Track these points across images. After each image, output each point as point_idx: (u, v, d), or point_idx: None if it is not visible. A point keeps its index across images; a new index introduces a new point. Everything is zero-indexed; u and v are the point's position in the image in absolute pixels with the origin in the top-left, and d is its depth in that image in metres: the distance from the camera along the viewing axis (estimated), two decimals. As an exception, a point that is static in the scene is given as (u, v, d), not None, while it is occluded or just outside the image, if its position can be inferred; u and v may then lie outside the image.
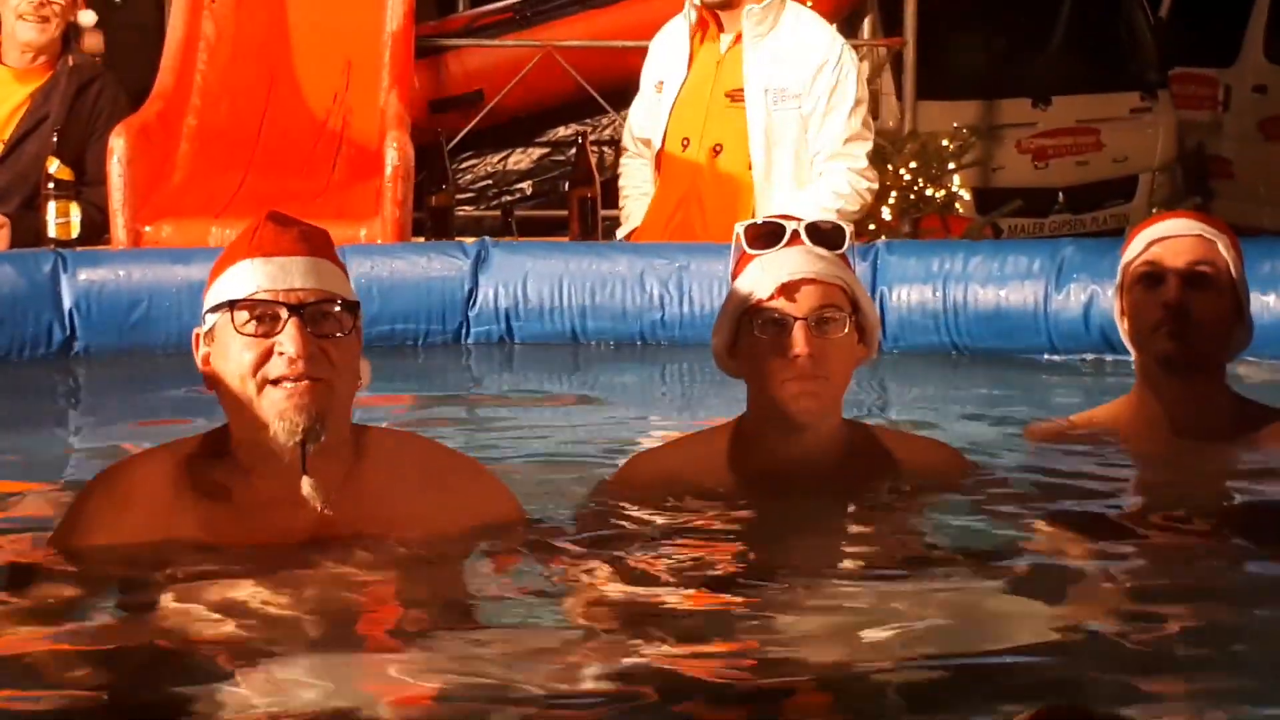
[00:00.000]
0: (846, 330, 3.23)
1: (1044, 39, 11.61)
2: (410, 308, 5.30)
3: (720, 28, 5.64)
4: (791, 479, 3.32)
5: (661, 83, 5.77)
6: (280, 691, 2.59)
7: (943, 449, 3.56)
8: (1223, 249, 3.65)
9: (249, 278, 2.90)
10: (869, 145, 5.76)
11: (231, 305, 2.88)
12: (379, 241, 5.90)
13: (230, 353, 2.89)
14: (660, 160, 5.77)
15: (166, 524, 3.04)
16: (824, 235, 3.26)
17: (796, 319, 3.17)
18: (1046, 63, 11.44)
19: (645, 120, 5.85)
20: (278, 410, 2.85)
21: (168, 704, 2.59)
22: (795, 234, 3.23)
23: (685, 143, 5.66)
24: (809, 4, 5.84)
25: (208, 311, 2.96)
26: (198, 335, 2.99)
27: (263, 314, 2.89)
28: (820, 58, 5.59)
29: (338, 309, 2.94)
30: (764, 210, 5.33)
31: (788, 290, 3.18)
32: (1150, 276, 3.66)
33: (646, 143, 5.82)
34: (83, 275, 5.18)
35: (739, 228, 3.31)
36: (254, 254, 2.92)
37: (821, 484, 3.33)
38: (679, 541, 3.24)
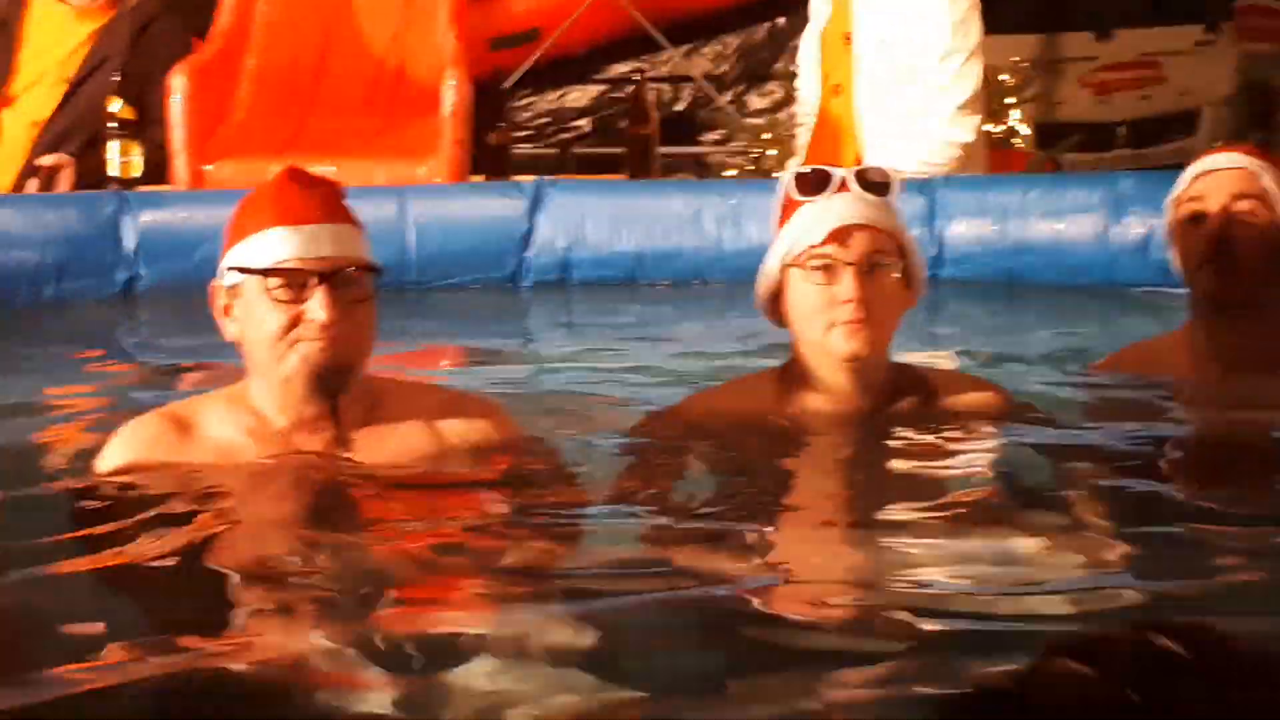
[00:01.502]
0: (895, 276, 3.25)
1: (1106, -29, 11.55)
2: (466, 247, 5.33)
3: None
4: (840, 420, 3.35)
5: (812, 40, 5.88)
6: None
7: (989, 388, 3.53)
8: (1268, 182, 3.64)
9: (280, 246, 2.99)
10: (973, 86, 5.74)
11: (263, 271, 2.98)
12: (437, 180, 5.93)
13: (260, 315, 2.99)
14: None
15: (212, 464, 3.14)
16: (873, 184, 3.25)
17: (849, 264, 3.18)
18: (1107, -4, 11.39)
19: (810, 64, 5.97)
20: (310, 367, 2.98)
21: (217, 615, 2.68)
22: (844, 181, 3.22)
23: (825, 81, 5.69)
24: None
25: (231, 269, 3.04)
26: (217, 288, 3.07)
27: (293, 281, 2.98)
28: (927, 11, 5.55)
29: (360, 273, 3.04)
30: (866, 157, 5.32)
31: (839, 236, 3.18)
32: (1196, 213, 3.67)
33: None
34: (145, 216, 5.23)
35: (785, 175, 3.32)
36: (282, 221, 3.00)
37: (868, 425, 3.36)
38: (717, 477, 3.29)
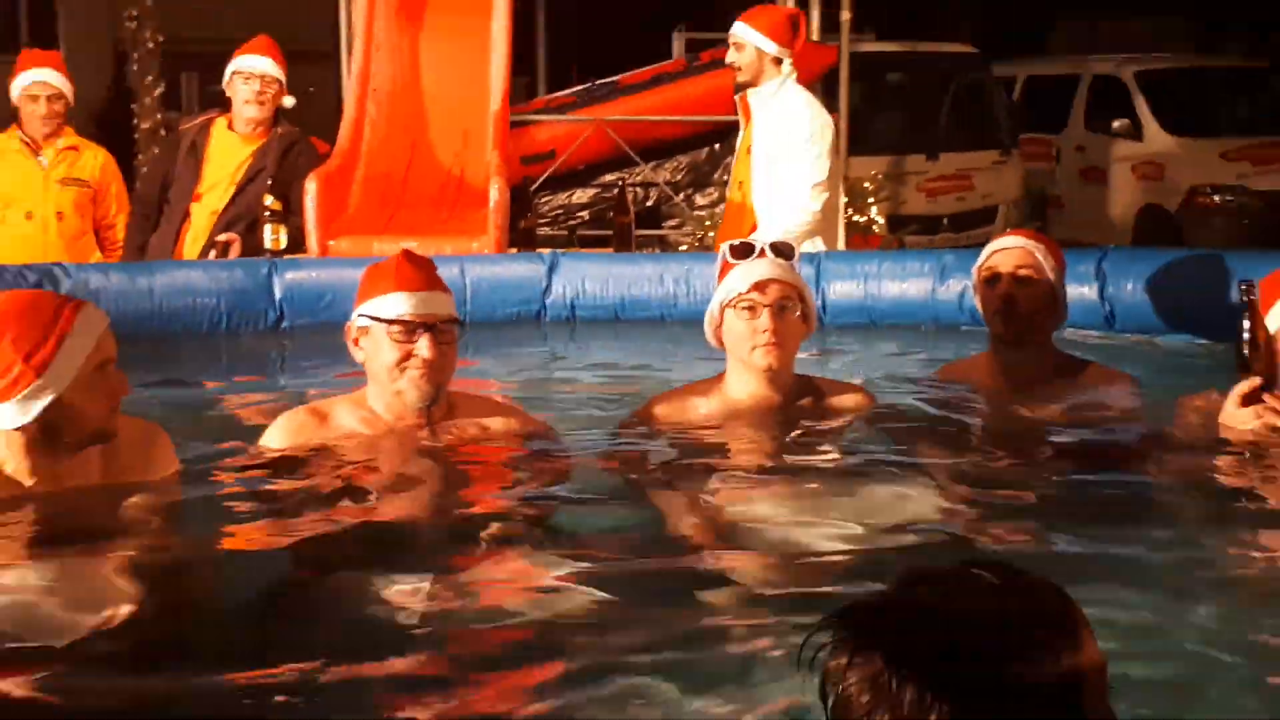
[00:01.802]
0: (797, 314, 3.29)
1: (935, 114, 11.58)
2: (506, 296, 5.32)
3: (747, 107, 5.53)
4: (762, 412, 3.37)
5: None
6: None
7: (858, 390, 3.60)
8: (1041, 256, 3.65)
9: (401, 305, 3.07)
10: (813, 188, 5.41)
11: (389, 321, 3.01)
12: (486, 251, 5.93)
13: (384, 348, 3.06)
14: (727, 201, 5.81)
15: (342, 446, 3.15)
16: (780, 251, 3.34)
17: (765, 305, 3.23)
18: (936, 130, 11.41)
19: None
20: (414, 388, 3.06)
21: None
22: (762, 250, 3.31)
23: (739, 185, 5.58)
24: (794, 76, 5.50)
25: (365, 315, 3.08)
26: (350, 327, 3.12)
27: (408, 329, 3.06)
28: (789, 119, 5.37)
29: (450, 325, 3.15)
30: (761, 228, 5.27)
31: (759, 286, 3.25)
32: (990, 276, 3.68)
33: None
34: (288, 275, 5.23)
35: (724, 246, 3.38)
36: (403, 289, 3.09)
37: (780, 415, 3.37)
38: (694, 458, 3.29)
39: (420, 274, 3.15)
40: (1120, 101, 12.49)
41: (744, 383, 3.34)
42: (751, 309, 3.23)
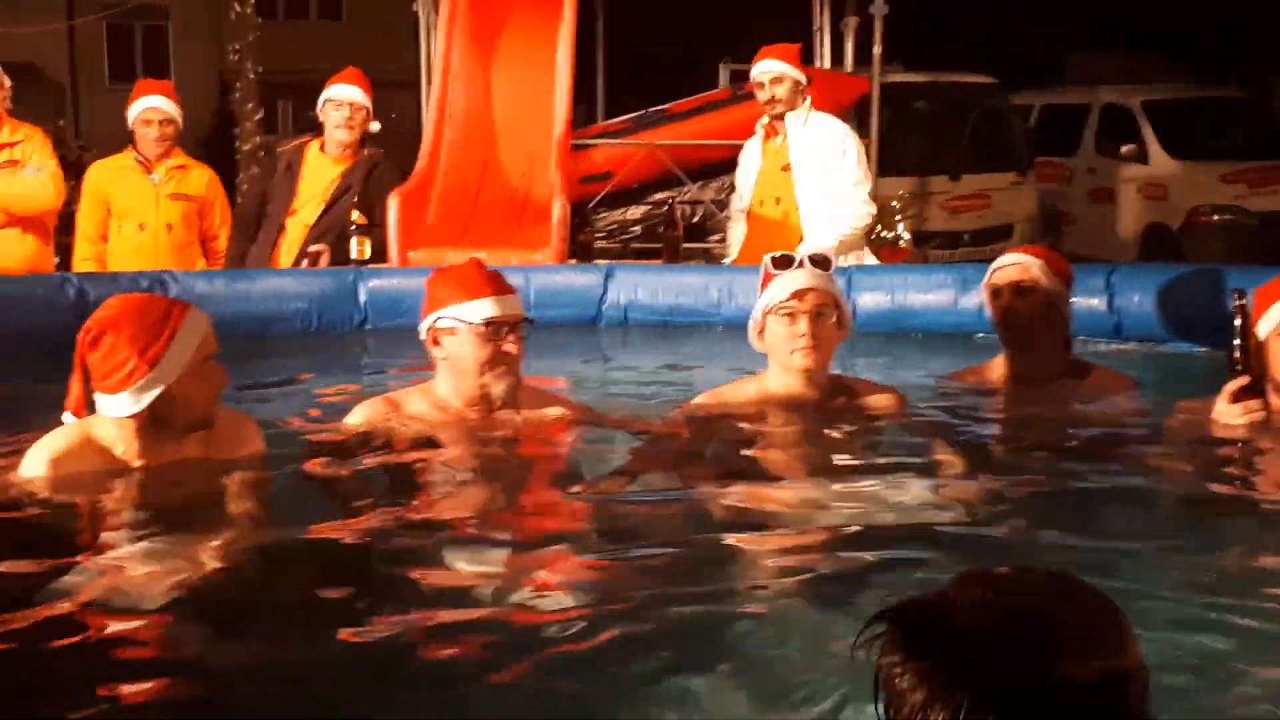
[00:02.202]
0: (833, 320, 3.26)
1: (957, 138, 11.50)
2: (566, 302, 5.32)
3: (777, 132, 5.58)
4: (800, 409, 3.34)
5: (749, 172, 5.76)
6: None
7: (890, 390, 3.56)
8: (1038, 270, 3.63)
9: (491, 308, 3.12)
10: (866, 191, 5.66)
11: (481, 323, 3.05)
12: (549, 262, 5.94)
13: (470, 347, 3.07)
14: (749, 217, 5.71)
15: (416, 429, 3.18)
16: (818, 262, 3.30)
17: (804, 312, 3.21)
18: (958, 153, 11.33)
19: (739, 199, 5.84)
20: (501, 382, 3.08)
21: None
22: (801, 261, 3.27)
23: (762, 202, 5.61)
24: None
25: (450, 318, 3.09)
26: (430, 328, 3.14)
27: (497, 328, 3.07)
28: (831, 134, 5.55)
29: (526, 325, 3.23)
30: (809, 235, 5.32)
31: (799, 295, 3.22)
32: (994, 291, 3.68)
33: (740, 211, 5.79)
34: (372, 282, 5.26)
35: (766, 258, 3.35)
36: (488, 294, 3.14)
37: (816, 412, 3.35)
38: (737, 450, 3.28)
39: (496, 280, 3.20)
40: (1128, 128, 12.37)
41: (784, 382, 3.33)
42: (791, 315, 3.22)
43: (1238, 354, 3.04)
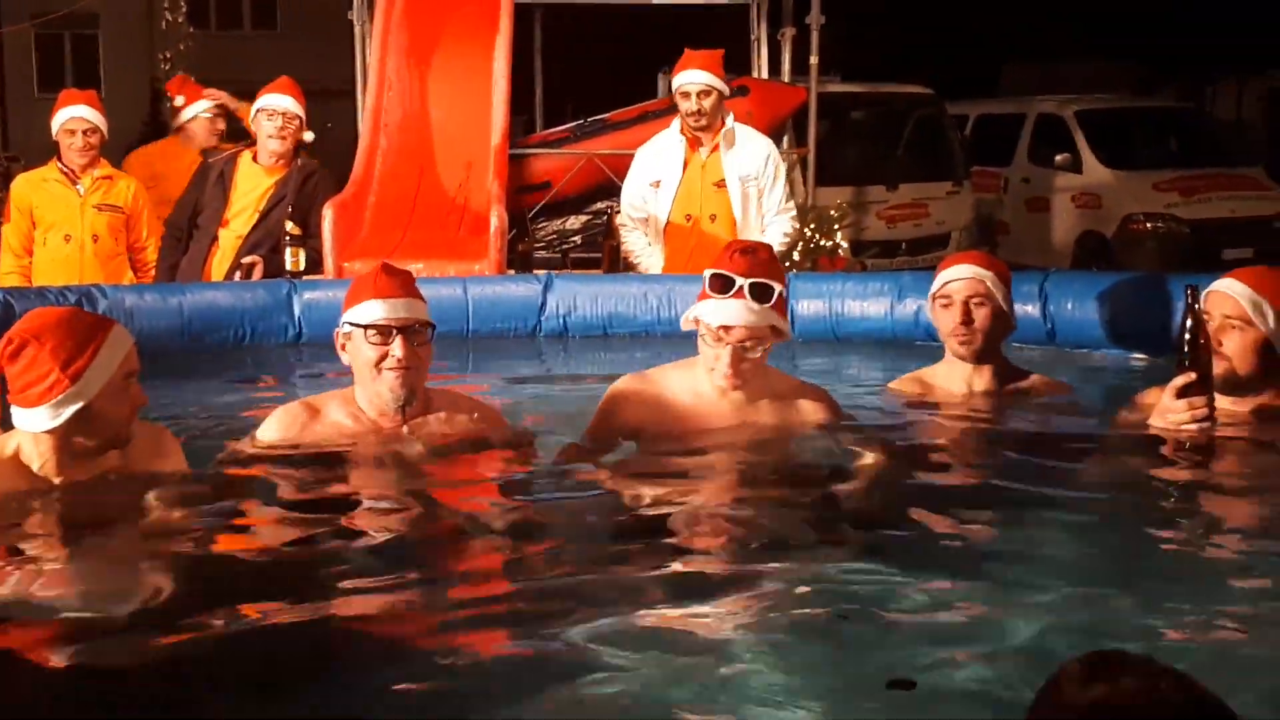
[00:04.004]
0: (759, 354, 3.16)
1: (894, 148, 11.60)
2: (505, 313, 5.28)
3: (701, 143, 5.54)
4: (730, 409, 3.25)
5: (659, 181, 5.57)
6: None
7: (820, 391, 3.43)
8: (990, 284, 3.65)
9: (376, 311, 3.05)
10: (794, 208, 5.75)
11: (365, 326, 2.99)
12: (487, 273, 5.91)
13: (362, 351, 3.05)
14: (668, 229, 5.56)
15: (328, 438, 3.14)
16: (758, 293, 3.11)
17: (728, 344, 3.12)
18: (895, 163, 11.43)
19: (642, 206, 5.63)
20: (389, 388, 3.10)
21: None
22: (740, 289, 3.10)
23: (688, 217, 5.54)
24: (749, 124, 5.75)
25: (346, 322, 3.08)
26: (338, 334, 3.12)
27: (382, 332, 3.03)
28: (765, 155, 5.55)
29: (423, 328, 3.13)
30: None
31: (724, 330, 3.12)
32: (946, 303, 3.68)
33: (644, 219, 5.63)
34: (306, 294, 5.19)
35: (707, 272, 3.19)
36: (377, 296, 3.06)
37: (747, 413, 3.27)
38: (661, 449, 3.26)
39: (394, 283, 3.13)
40: (1062, 138, 12.54)
41: (708, 380, 3.24)
42: (718, 339, 3.15)
43: (1186, 348, 3.06)
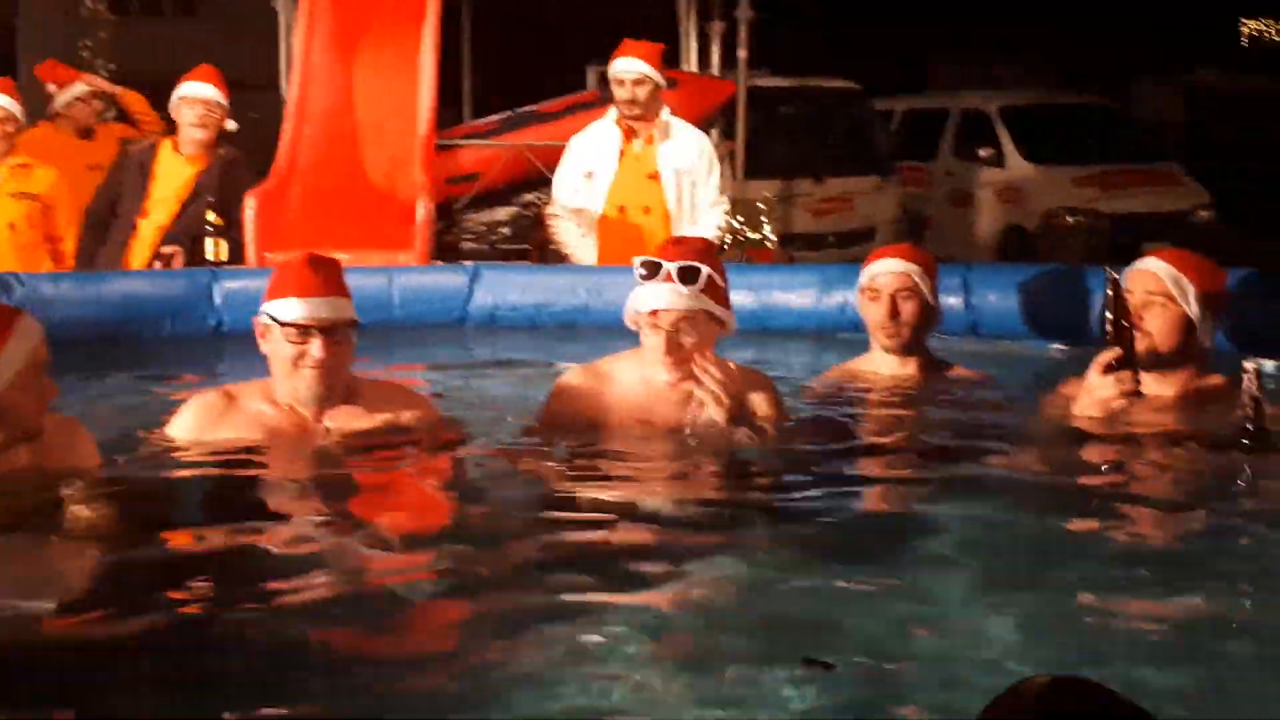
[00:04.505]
0: (694, 338, 3.13)
1: (822, 142, 11.66)
2: (431, 303, 5.25)
3: (636, 134, 5.50)
4: (676, 391, 3.23)
5: (592, 172, 5.52)
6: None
7: (765, 379, 3.40)
8: (917, 277, 3.69)
9: (296, 309, 3.01)
10: (727, 202, 5.77)
11: (283, 323, 2.94)
12: (413, 263, 5.85)
13: (281, 347, 3.00)
14: (601, 221, 5.51)
15: (245, 429, 3.09)
16: (685, 276, 3.10)
17: (664, 329, 3.11)
18: (823, 157, 11.49)
19: (574, 196, 5.57)
20: (306, 385, 3.02)
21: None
22: (668, 274, 3.10)
23: (622, 209, 5.50)
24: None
25: (266, 313, 3.02)
26: (257, 321, 3.06)
27: (302, 331, 3.01)
28: (699, 149, 5.55)
29: (345, 328, 3.08)
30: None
31: (656, 314, 3.12)
32: (874, 296, 3.71)
33: (576, 210, 5.57)
34: (228, 284, 5.11)
35: (636, 260, 3.19)
36: (300, 294, 3.03)
37: (691, 394, 3.24)
38: (598, 439, 3.25)
39: (318, 279, 3.05)
40: (985, 133, 12.69)
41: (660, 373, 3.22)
42: (653, 327, 3.14)
43: (1109, 327, 3.10)
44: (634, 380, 3.24)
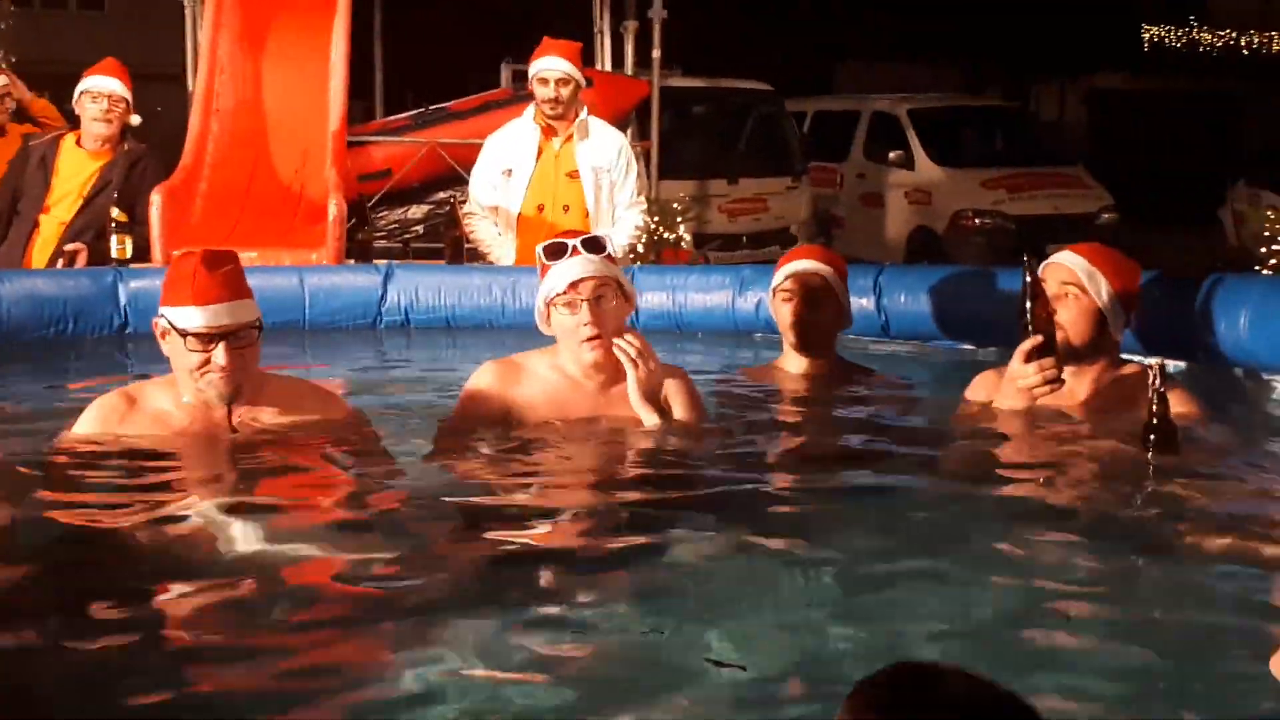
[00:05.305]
0: (615, 302, 3.18)
1: (735, 143, 11.74)
2: (344, 305, 5.18)
3: (555, 133, 5.45)
4: (593, 383, 3.23)
5: (510, 170, 5.46)
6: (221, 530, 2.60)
7: (680, 371, 3.40)
8: (829, 278, 3.72)
9: (196, 318, 2.94)
10: (645, 203, 5.77)
11: (184, 332, 2.89)
12: (324, 262, 5.78)
13: (182, 354, 2.95)
14: (520, 220, 5.45)
15: (149, 429, 3.03)
16: (592, 245, 3.17)
17: (582, 300, 3.12)
18: (736, 158, 11.56)
19: (492, 195, 5.51)
20: (214, 390, 2.98)
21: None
22: (574, 248, 3.15)
23: (540, 207, 5.46)
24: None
25: (164, 318, 2.95)
26: (156, 323, 2.99)
27: (203, 339, 2.95)
28: (618, 148, 5.53)
29: (248, 330, 3.00)
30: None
31: (574, 286, 3.13)
32: (786, 297, 3.73)
33: (493, 209, 5.51)
34: (133, 283, 5.00)
35: (539, 248, 3.22)
36: (198, 302, 2.94)
37: (608, 386, 3.26)
38: (515, 433, 3.23)
39: (214, 283, 2.95)
40: (895, 135, 12.86)
41: (574, 362, 3.23)
42: (571, 305, 3.14)
43: (1028, 316, 3.13)
44: (549, 373, 3.25)
